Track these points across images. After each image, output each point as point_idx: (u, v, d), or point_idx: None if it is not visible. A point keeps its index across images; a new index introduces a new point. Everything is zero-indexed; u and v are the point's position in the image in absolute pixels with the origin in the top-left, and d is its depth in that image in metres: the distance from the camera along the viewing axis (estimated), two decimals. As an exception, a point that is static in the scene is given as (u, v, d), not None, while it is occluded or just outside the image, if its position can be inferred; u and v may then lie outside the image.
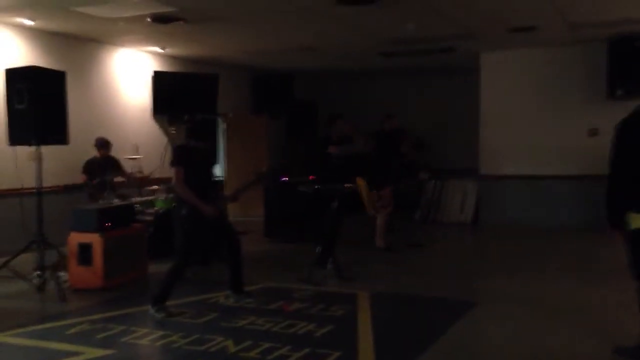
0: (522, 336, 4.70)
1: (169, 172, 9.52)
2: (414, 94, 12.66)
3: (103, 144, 8.18)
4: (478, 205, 10.91)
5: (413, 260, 7.76)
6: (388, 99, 12.43)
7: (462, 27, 8.48)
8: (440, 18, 7.90)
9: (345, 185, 6.72)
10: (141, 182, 8.20)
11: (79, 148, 7.86)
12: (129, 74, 9.85)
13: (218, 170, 6.07)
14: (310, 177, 7.47)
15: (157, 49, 9.97)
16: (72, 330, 4.86)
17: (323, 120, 11.97)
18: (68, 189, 7.91)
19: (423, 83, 12.66)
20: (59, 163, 7.87)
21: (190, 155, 5.34)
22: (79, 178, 7.95)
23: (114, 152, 8.31)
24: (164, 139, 10.30)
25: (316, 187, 6.68)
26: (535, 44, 9.98)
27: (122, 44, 9.50)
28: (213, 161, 5.73)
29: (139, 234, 6.64)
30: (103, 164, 7.99)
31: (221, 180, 5.78)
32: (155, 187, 8.18)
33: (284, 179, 8.90)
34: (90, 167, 7.96)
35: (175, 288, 5.30)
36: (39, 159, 6.14)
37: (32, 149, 6.21)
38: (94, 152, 8.18)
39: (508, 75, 10.58)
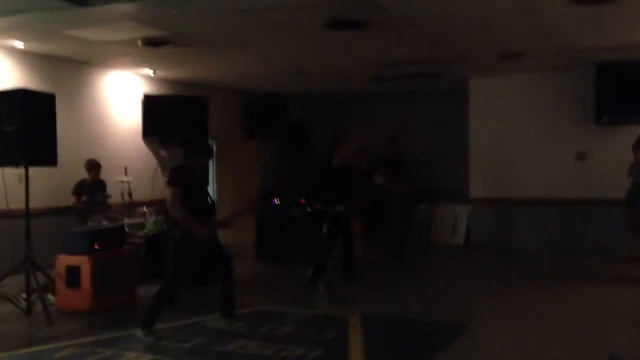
0: (514, 357, 4.68)
1: (159, 194, 9.58)
2: (406, 116, 12.74)
3: (93, 166, 8.14)
4: (469, 227, 10.94)
5: (405, 283, 7.73)
6: (381, 121, 12.49)
7: (452, 52, 8.57)
8: (430, 43, 7.98)
9: (337, 208, 6.72)
10: (129, 205, 8.15)
11: (68, 170, 7.80)
12: (119, 96, 9.85)
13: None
14: (302, 201, 7.47)
15: (148, 72, 9.98)
16: (60, 354, 4.78)
17: (318, 143, 12.08)
18: (57, 211, 7.85)
19: (414, 106, 12.74)
20: (48, 185, 7.81)
21: (188, 176, 5.32)
22: (69, 199, 7.89)
23: (103, 174, 8.27)
24: (153, 162, 10.26)
25: (308, 209, 6.69)
26: (524, 70, 10.10)
27: (112, 66, 9.51)
28: (207, 182, 5.70)
29: (128, 256, 6.59)
30: (93, 185, 7.95)
31: (214, 203, 5.79)
32: (144, 209, 8.13)
33: (275, 201, 8.89)
34: (80, 189, 7.90)
35: (163, 311, 5.24)
36: (27, 180, 6.09)
37: (20, 170, 6.16)
38: (83, 174, 8.13)
39: (497, 100, 10.68)
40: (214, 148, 11.66)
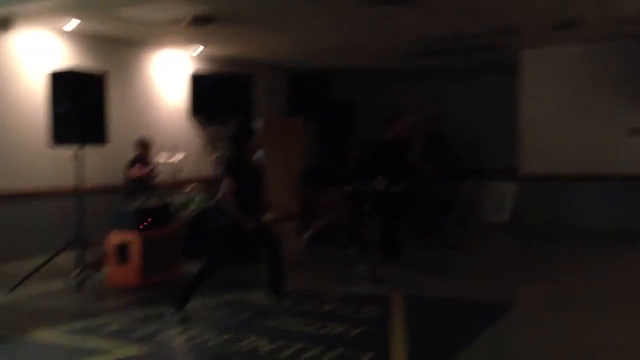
0: (559, 340, 4.59)
1: (205, 172, 9.74)
2: (453, 93, 12.50)
3: (144, 145, 8.32)
4: (516, 205, 10.72)
5: (447, 262, 7.67)
6: (427, 98, 12.30)
7: (502, 23, 8.31)
8: (479, 14, 7.76)
9: (378, 186, 6.69)
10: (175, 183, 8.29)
11: (118, 148, 8.00)
12: (167, 75, 10.00)
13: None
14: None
15: (195, 50, 10.10)
16: (110, 328, 4.96)
17: (363, 121, 12.00)
18: (107, 189, 8.08)
19: (463, 82, 12.49)
20: (99, 163, 8.04)
21: (242, 169, 5.37)
22: (118, 178, 8.12)
23: (151, 153, 8.45)
24: (201, 140, 10.43)
25: (348, 188, 6.67)
26: (579, 41, 9.73)
27: (160, 45, 9.65)
28: (262, 173, 5.70)
29: (174, 233, 6.73)
30: (143, 163, 8.15)
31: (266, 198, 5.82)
32: (191, 186, 8.27)
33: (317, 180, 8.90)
34: (132, 165, 8.12)
35: (197, 292, 5.30)
36: (79, 159, 6.27)
37: (73, 149, 6.35)
38: (133, 153, 8.33)
39: (550, 73, 10.34)
40: (261, 126, 11.76)
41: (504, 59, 10.64)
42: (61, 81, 6.23)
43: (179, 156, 8.31)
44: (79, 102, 6.13)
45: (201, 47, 9.91)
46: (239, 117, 9.21)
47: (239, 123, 5.86)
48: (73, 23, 7.84)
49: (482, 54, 10.44)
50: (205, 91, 10.24)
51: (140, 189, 7.36)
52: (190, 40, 9.24)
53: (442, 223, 10.10)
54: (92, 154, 7.17)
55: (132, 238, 6.16)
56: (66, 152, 6.60)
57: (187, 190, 8.29)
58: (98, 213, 6.98)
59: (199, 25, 7.93)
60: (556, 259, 7.92)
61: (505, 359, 4.32)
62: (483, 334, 4.71)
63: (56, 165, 6.43)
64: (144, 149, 8.29)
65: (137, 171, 7.97)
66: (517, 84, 10.57)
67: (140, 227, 6.22)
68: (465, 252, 8.31)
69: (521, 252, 8.83)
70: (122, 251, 6.18)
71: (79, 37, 8.44)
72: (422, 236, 8.85)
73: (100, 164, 8.08)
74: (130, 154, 8.32)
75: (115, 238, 6.25)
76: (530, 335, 4.82)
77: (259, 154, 6.83)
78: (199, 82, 10.28)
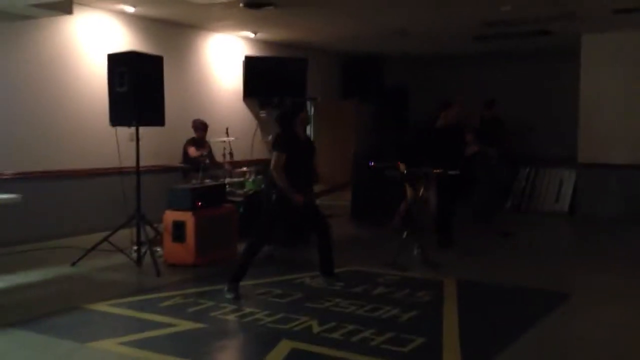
0: (618, 333, 4.47)
1: (259, 154, 9.84)
2: (507, 79, 12.21)
3: (200, 126, 8.46)
4: (575, 194, 10.43)
5: (503, 249, 7.54)
6: (481, 84, 12.06)
7: (562, 7, 8.06)
8: (537, -2, 7.55)
9: (434, 170, 6.61)
10: (230, 169, 8.41)
11: (174, 130, 8.17)
12: (222, 59, 10.11)
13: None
14: (398, 164, 7.39)
15: (249, 34, 10.17)
16: (166, 303, 5.08)
17: (417, 105, 11.87)
18: (164, 169, 8.25)
19: (517, 67, 12.19)
20: (156, 144, 8.22)
21: (293, 143, 5.39)
22: (175, 158, 8.29)
23: (208, 134, 8.59)
24: (254, 122, 10.53)
25: (404, 172, 6.62)
26: (641, 26, 9.36)
27: (215, 29, 9.76)
28: (313, 151, 5.71)
29: (229, 214, 6.83)
30: (200, 145, 8.31)
31: (316, 174, 5.82)
32: (245, 168, 8.37)
33: (371, 163, 8.85)
34: (190, 146, 8.28)
35: (250, 268, 5.35)
36: (137, 139, 6.43)
37: (132, 129, 6.50)
38: (188, 134, 8.48)
39: (611, 59, 9.98)
40: (312, 110, 11.78)
41: (563, 43, 10.32)
42: (120, 63, 6.35)
43: (231, 138, 8.41)
44: (137, 84, 6.24)
45: (256, 31, 9.96)
46: (290, 100, 9.27)
47: (289, 104, 5.86)
48: (132, 6, 8.01)
49: (540, 39, 10.14)
50: (259, 74, 10.32)
51: (196, 170, 7.50)
52: (244, 24, 9.30)
53: (498, 209, 9.94)
54: (149, 134, 7.34)
55: (187, 217, 6.28)
56: (125, 132, 6.78)
57: (241, 171, 8.40)
58: (155, 192, 7.16)
59: (253, 8, 7.97)
60: (615, 249, 7.68)
61: (560, 349, 4.22)
62: (538, 323, 4.61)
63: (116, 145, 6.58)
64: (200, 131, 8.43)
65: (194, 152, 8.12)
66: (576, 69, 10.24)
67: (196, 206, 6.33)
68: (522, 240, 8.16)
69: (579, 241, 8.60)
70: (178, 230, 6.31)
71: (138, 20, 8.62)
72: (479, 222, 8.72)
73: (157, 144, 8.27)
74: (186, 135, 8.48)
75: (171, 217, 6.38)
76: (586, 326, 4.69)
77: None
78: (253, 65, 10.36)
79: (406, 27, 8.85)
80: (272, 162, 5.32)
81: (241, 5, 7.82)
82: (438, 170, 6.60)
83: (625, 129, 9.80)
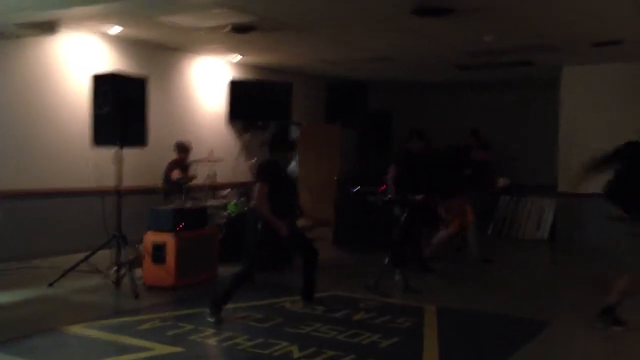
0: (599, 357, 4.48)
1: (242, 177, 9.81)
2: (490, 107, 12.38)
3: (183, 148, 8.43)
4: (555, 222, 10.53)
5: (483, 276, 7.56)
6: (465, 112, 12.21)
7: (543, 39, 8.23)
8: (520, 30, 7.70)
9: (417, 196, 6.64)
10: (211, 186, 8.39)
11: (157, 151, 8.13)
12: (207, 82, 10.14)
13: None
14: (382, 188, 7.42)
15: (234, 58, 10.22)
16: (144, 326, 5.01)
17: (397, 132, 11.96)
18: (145, 190, 8.19)
19: (500, 96, 12.36)
20: (137, 165, 8.17)
21: (276, 172, 5.41)
22: (157, 179, 8.24)
23: (190, 156, 8.56)
24: (237, 145, 10.53)
25: (387, 197, 6.64)
26: (621, 59, 9.56)
27: (201, 52, 9.79)
28: (294, 182, 5.75)
29: (210, 236, 6.79)
30: (182, 167, 8.27)
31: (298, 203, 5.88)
32: (228, 190, 8.34)
33: (352, 190, 8.88)
34: (173, 168, 8.24)
35: (235, 295, 5.33)
36: (120, 160, 6.39)
37: (114, 150, 6.47)
38: (170, 156, 8.44)
39: (591, 90, 10.16)
40: (298, 134, 11.81)
41: (545, 74, 10.51)
42: (104, 83, 6.35)
43: (216, 161, 8.39)
44: (121, 105, 6.24)
45: (241, 55, 10.02)
46: (276, 124, 9.30)
47: (276, 129, 5.90)
48: (116, 28, 8.02)
49: (522, 69, 10.32)
50: (244, 98, 10.35)
51: (178, 191, 7.46)
52: (230, 47, 9.35)
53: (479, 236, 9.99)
54: (131, 155, 7.30)
55: (168, 239, 6.23)
56: (107, 153, 6.74)
57: (224, 194, 8.37)
58: (136, 213, 7.09)
59: (239, 33, 8.02)
60: (594, 277, 7.74)
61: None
62: (517, 352, 4.61)
63: (97, 166, 6.55)
64: (183, 153, 8.40)
65: (176, 174, 8.09)
66: (557, 99, 10.41)
67: (177, 228, 6.29)
68: (502, 267, 8.19)
69: (558, 269, 8.65)
70: (158, 251, 6.25)
71: (122, 42, 8.63)
72: (459, 249, 8.76)
73: (139, 165, 8.21)
74: (169, 157, 8.44)
75: (151, 238, 6.32)
76: (565, 355, 4.70)
77: (292, 165, 6.90)
78: (237, 89, 10.39)
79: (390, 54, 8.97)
80: (256, 193, 5.33)
81: (228, 29, 7.87)
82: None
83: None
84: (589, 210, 10.00)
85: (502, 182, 7.73)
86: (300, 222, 5.84)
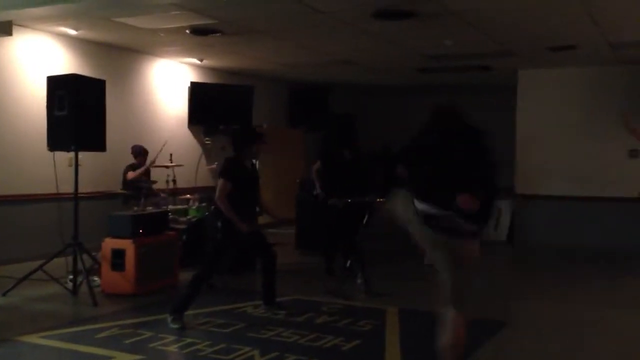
0: (554, 358, 4.58)
1: (203, 182, 9.73)
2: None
3: (140, 152, 8.32)
4: (513, 224, 10.74)
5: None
6: (425, 114, 12.32)
7: (500, 44, 8.41)
8: (478, 35, 7.85)
9: (378, 199, 6.69)
10: (172, 190, 8.29)
11: (115, 155, 8.00)
12: (167, 84, 10.03)
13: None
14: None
15: (195, 60, 10.13)
16: (103, 334, 4.92)
17: (361, 134, 12.01)
18: (104, 195, 8.05)
19: (460, 100, 12.47)
20: (96, 170, 8.03)
21: (239, 170, 5.38)
22: (116, 184, 8.10)
23: (149, 160, 8.43)
24: (198, 149, 10.44)
25: (348, 200, 6.67)
26: (576, 63, 9.83)
27: (161, 54, 9.68)
28: (257, 180, 5.72)
29: (171, 241, 6.71)
30: (144, 172, 8.16)
31: (260, 202, 5.83)
32: (188, 196, 8.27)
33: (314, 192, 8.87)
34: (134, 169, 8.13)
35: (195, 299, 5.27)
36: (76, 164, 6.26)
37: (71, 154, 6.33)
38: (130, 160, 8.32)
39: (546, 94, 10.42)
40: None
41: (502, 78, 10.72)
42: (60, 86, 6.21)
43: (175, 165, 8.30)
44: (78, 108, 6.10)
45: (202, 58, 9.94)
46: (241, 126, 9.22)
47: (243, 128, 5.85)
48: (74, 29, 7.87)
49: (480, 73, 10.51)
50: (205, 101, 10.28)
51: (137, 196, 7.35)
52: (191, 50, 9.27)
53: None
54: (89, 159, 7.18)
55: (127, 245, 6.13)
56: (64, 157, 6.60)
57: (184, 198, 8.29)
58: (94, 219, 6.97)
59: (199, 35, 7.96)
60: (551, 278, 7.92)
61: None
62: (474, 352, 4.68)
63: (54, 170, 6.39)
64: (140, 157, 8.29)
65: (133, 174, 7.98)
66: (514, 103, 10.63)
67: (137, 234, 6.19)
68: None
69: (515, 271, 8.82)
70: (118, 258, 6.14)
71: (81, 43, 8.47)
72: (419, 251, 8.84)
73: (97, 170, 8.08)
74: (128, 161, 8.32)
75: (110, 244, 6.21)
76: (521, 355, 4.80)
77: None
78: (198, 92, 10.32)
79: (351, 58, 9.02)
80: (218, 190, 5.30)
81: (187, 31, 7.80)
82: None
83: (559, 162, 10.20)
84: (545, 212, 10.26)
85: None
86: (262, 219, 5.80)
